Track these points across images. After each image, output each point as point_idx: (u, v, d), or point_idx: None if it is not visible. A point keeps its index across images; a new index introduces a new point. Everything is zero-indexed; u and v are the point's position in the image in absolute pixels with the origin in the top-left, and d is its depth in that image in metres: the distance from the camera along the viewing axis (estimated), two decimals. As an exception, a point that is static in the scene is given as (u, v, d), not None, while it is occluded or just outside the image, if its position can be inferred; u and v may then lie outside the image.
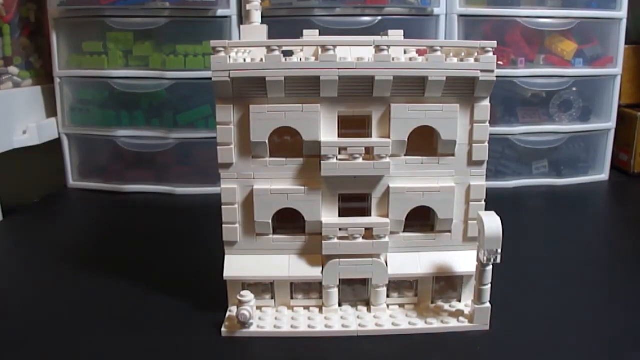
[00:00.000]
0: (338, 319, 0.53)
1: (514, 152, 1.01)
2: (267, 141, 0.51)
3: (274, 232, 0.54)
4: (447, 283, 0.56)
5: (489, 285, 0.51)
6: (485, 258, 0.49)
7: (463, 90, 0.52)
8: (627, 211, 0.91)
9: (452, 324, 0.52)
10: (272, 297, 0.55)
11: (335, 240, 0.52)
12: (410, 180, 0.53)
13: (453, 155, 0.53)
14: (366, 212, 0.54)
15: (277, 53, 0.50)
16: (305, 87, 0.51)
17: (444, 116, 0.51)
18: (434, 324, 0.52)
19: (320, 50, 0.50)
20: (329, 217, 0.53)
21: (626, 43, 1.00)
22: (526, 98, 1.00)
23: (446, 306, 0.55)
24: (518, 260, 0.66)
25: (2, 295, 0.61)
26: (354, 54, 0.52)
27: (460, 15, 0.94)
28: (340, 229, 0.52)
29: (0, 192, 0.87)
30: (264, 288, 0.55)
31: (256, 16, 0.60)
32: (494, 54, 0.50)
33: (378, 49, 0.50)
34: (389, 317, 0.54)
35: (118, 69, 0.95)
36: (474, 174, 0.53)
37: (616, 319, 0.54)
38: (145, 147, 0.98)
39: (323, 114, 0.51)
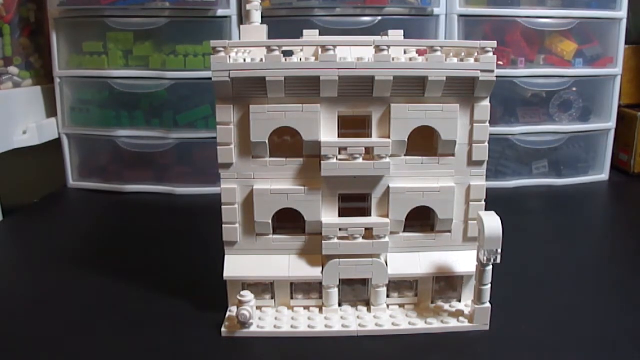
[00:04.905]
0: (338, 319, 0.53)
1: (514, 152, 1.01)
2: (267, 141, 0.51)
3: (274, 232, 0.54)
4: (447, 283, 0.56)
5: (489, 285, 0.51)
6: (485, 258, 0.49)
7: (463, 90, 0.52)
8: (627, 211, 0.91)
9: (452, 324, 0.52)
10: (272, 297, 0.55)
11: (335, 240, 0.52)
12: (410, 180, 0.53)
13: (453, 155, 0.53)
14: (366, 212, 0.54)
15: (277, 53, 0.50)
16: (305, 87, 0.51)
17: (444, 116, 0.51)
18: (434, 324, 0.52)
19: (320, 50, 0.50)
20: (329, 217, 0.53)
21: (626, 43, 1.00)
22: (526, 98, 1.00)
23: (446, 306, 0.55)
24: (518, 260, 0.66)
25: (2, 295, 0.61)
26: (354, 54, 0.52)
27: (460, 15, 0.94)
28: (340, 229, 0.52)
29: (0, 192, 0.87)
30: (264, 288, 0.55)
31: (256, 16, 0.61)
32: (494, 54, 0.50)
33: (378, 49, 0.50)
34: (389, 317, 0.54)
35: (118, 69, 0.95)
36: (474, 174, 0.53)
37: (616, 319, 0.54)
38: (145, 147, 0.98)
39: (323, 114, 0.51)
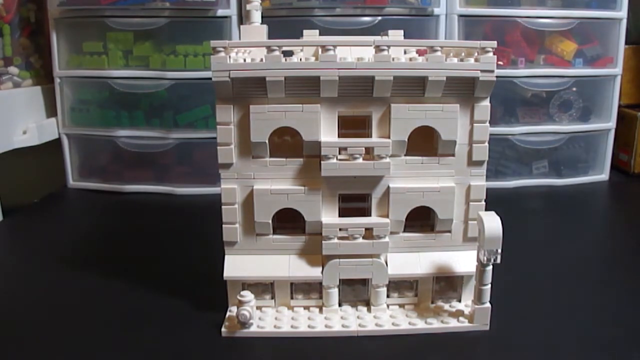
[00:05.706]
0: (338, 319, 0.53)
1: (514, 152, 1.01)
2: (267, 141, 0.51)
3: (274, 232, 0.54)
4: (447, 283, 0.56)
5: (489, 285, 0.51)
6: (485, 258, 0.49)
7: (463, 90, 0.52)
8: (627, 211, 0.91)
9: (452, 324, 0.52)
10: (272, 297, 0.55)
11: (335, 240, 0.52)
12: (410, 180, 0.53)
13: (453, 155, 0.53)
14: (366, 212, 0.54)
15: (277, 53, 0.50)
16: (305, 87, 0.51)
17: (444, 116, 0.51)
18: (434, 324, 0.52)
19: (320, 50, 0.50)
20: (329, 217, 0.53)
21: (626, 43, 1.00)
22: (526, 98, 1.00)
23: (446, 306, 0.55)
24: (518, 260, 0.66)
25: (2, 295, 0.61)
26: (354, 54, 0.52)
27: (460, 15, 0.94)
28: (340, 229, 0.52)
29: (0, 192, 0.87)
30: (264, 288, 0.55)
31: (256, 16, 0.61)
32: (494, 54, 0.50)
33: (378, 49, 0.50)
34: (389, 317, 0.54)
35: (118, 69, 0.95)
36: (474, 174, 0.53)
37: (616, 319, 0.54)
38: (145, 147, 0.98)
39: (323, 114, 0.51)
